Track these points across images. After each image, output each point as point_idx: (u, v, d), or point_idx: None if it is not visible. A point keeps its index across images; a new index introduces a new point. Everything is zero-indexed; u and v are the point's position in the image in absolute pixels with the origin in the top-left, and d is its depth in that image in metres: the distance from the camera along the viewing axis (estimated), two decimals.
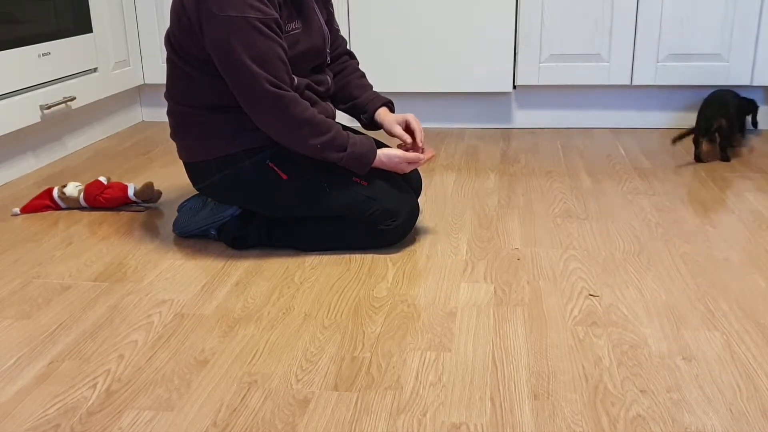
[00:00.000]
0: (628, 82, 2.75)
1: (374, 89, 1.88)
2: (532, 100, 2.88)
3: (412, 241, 1.79)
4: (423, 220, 1.93)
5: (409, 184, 1.81)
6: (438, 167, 2.40)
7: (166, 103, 1.73)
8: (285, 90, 1.55)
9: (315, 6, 1.72)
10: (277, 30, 1.56)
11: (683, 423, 1.10)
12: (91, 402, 1.18)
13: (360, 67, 1.91)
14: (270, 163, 1.65)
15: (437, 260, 1.69)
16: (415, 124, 1.77)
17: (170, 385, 1.23)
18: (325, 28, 1.75)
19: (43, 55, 2.39)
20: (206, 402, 1.18)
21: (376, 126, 1.82)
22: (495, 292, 1.53)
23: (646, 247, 1.74)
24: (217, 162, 1.67)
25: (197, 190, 1.76)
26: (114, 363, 1.30)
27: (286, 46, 1.58)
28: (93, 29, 2.67)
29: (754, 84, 2.67)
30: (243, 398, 1.19)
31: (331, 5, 1.84)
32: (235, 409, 1.16)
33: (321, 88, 1.73)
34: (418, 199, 1.90)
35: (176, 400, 1.18)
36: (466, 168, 2.38)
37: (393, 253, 1.73)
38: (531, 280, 1.58)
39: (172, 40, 1.64)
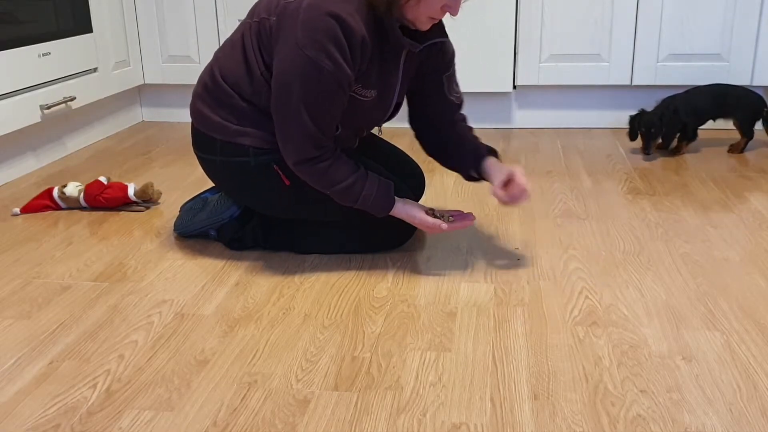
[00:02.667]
0: (628, 82, 2.75)
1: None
2: (532, 100, 2.88)
3: (412, 242, 1.79)
4: None
5: (410, 190, 1.79)
6: (438, 167, 2.39)
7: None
8: (319, 147, 1.51)
9: (399, 82, 1.62)
10: (346, 88, 1.50)
11: (683, 423, 1.10)
12: (91, 402, 1.18)
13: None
14: (276, 167, 1.63)
15: (437, 260, 1.69)
16: (518, 179, 1.59)
17: (170, 385, 1.23)
18: (393, 107, 1.67)
19: (43, 55, 2.39)
20: (206, 402, 1.18)
21: (479, 177, 1.72)
22: (495, 292, 1.53)
23: (646, 247, 1.74)
24: (223, 144, 1.63)
25: (195, 155, 1.72)
26: (114, 363, 1.30)
27: (346, 102, 1.53)
28: (93, 29, 2.67)
29: (754, 84, 2.67)
30: (243, 398, 1.19)
31: (450, 74, 1.72)
32: (235, 409, 1.16)
33: (361, 133, 1.71)
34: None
35: (176, 400, 1.18)
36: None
37: (393, 253, 1.73)
38: (531, 280, 1.58)
39: (261, 25, 1.54)
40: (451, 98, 1.74)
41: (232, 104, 1.61)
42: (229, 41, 1.64)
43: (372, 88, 1.57)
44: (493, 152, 1.72)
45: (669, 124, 2.39)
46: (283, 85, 1.50)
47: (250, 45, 1.57)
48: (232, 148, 1.62)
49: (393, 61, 1.58)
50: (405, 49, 1.57)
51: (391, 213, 1.61)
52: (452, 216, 1.64)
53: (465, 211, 1.66)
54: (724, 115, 2.49)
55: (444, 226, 1.60)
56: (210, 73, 1.65)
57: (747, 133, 2.46)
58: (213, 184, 1.83)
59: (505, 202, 1.62)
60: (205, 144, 1.67)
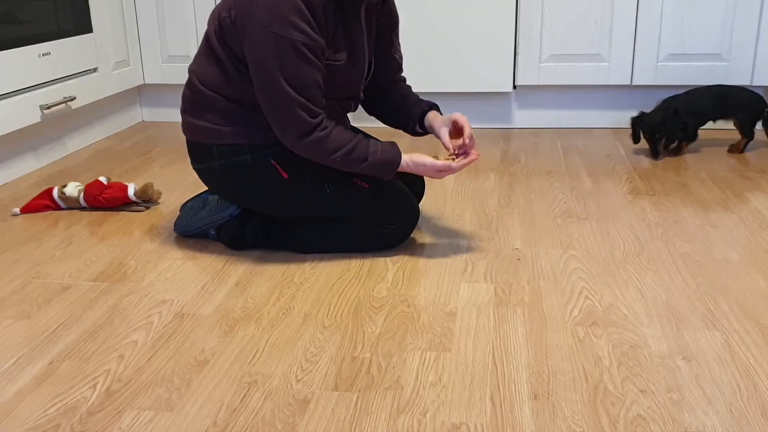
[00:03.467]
0: (628, 82, 2.75)
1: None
2: (532, 100, 2.88)
3: (412, 241, 1.79)
4: (423, 220, 1.93)
5: (411, 188, 1.80)
6: None
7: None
8: (315, 116, 1.55)
9: (366, 39, 1.67)
10: (320, 56, 1.54)
11: (683, 423, 1.10)
12: (91, 402, 1.18)
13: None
14: (273, 161, 1.65)
15: (437, 260, 1.69)
16: (463, 122, 1.67)
17: (170, 385, 1.23)
18: (368, 65, 1.71)
19: (43, 55, 2.39)
20: (206, 402, 1.18)
21: (424, 132, 1.78)
22: (495, 292, 1.53)
23: (646, 247, 1.74)
24: (219, 148, 1.66)
25: (194, 169, 1.75)
26: (114, 363, 1.30)
27: (324, 70, 1.56)
28: (93, 29, 2.67)
29: (754, 84, 2.67)
30: (243, 398, 1.19)
31: (396, 31, 1.79)
32: (235, 409, 1.16)
33: (344, 111, 1.73)
34: (419, 203, 1.90)
35: (176, 400, 1.18)
36: (466, 168, 2.38)
37: (393, 253, 1.73)
38: (531, 280, 1.58)
39: (216, 22, 1.59)
40: (396, 56, 1.81)
41: (219, 107, 1.64)
42: (199, 51, 1.68)
43: (342, 50, 1.61)
44: (434, 107, 1.78)
45: (671, 125, 2.39)
46: (261, 68, 1.53)
47: (218, 46, 1.61)
48: (228, 149, 1.65)
49: (355, 21, 1.62)
50: (363, 4, 1.61)
51: (401, 168, 1.63)
52: (455, 156, 1.66)
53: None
54: (725, 116, 2.49)
55: (454, 165, 1.63)
56: (189, 86, 1.68)
57: (747, 133, 2.46)
58: None
59: (459, 156, 1.67)
60: (202, 153, 1.69)
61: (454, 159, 1.65)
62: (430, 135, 1.78)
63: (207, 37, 1.64)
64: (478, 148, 1.68)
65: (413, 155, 1.64)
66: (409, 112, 1.78)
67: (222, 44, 1.60)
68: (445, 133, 1.69)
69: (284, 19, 1.48)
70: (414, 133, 1.81)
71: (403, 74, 1.86)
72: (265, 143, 1.63)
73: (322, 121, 1.56)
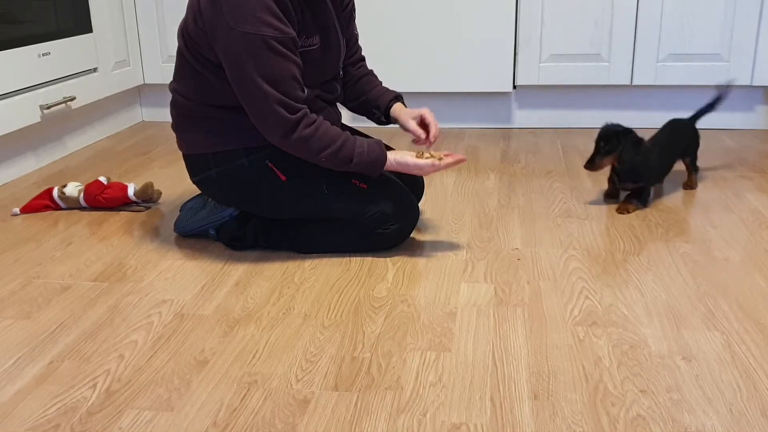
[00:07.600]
0: (628, 82, 2.75)
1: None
2: (532, 100, 2.88)
3: (412, 242, 1.79)
4: (423, 220, 1.93)
5: (410, 188, 1.80)
6: None
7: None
8: (294, 111, 1.54)
9: (335, 19, 1.68)
10: (293, 47, 1.54)
11: (683, 423, 1.10)
12: (91, 402, 1.18)
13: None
14: (270, 164, 1.65)
15: (437, 260, 1.69)
16: (430, 119, 1.75)
17: (170, 385, 1.23)
18: (343, 42, 1.72)
19: (43, 55, 2.39)
20: (206, 402, 1.18)
21: (389, 121, 1.82)
22: (495, 292, 1.53)
23: (646, 247, 1.74)
24: (214, 156, 1.67)
25: (194, 183, 1.75)
26: (114, 363, 1.30)
27: (300, 62, 1.56)
28: (93, 29, 2.67)
29: (754, 84, 2.67)
30: (243, 398, 1.19)
31: (354, 9, 1.81)
32: (235, 409, 1.16)
33: (330, 96, 1.73)
34: (419, 203, 1.90)
35: (176, 400, 1.18)
36: (466, 168, 2.38)
37: (393, 253, 1.73)
38: (531, 280, 1.58)
39: (185, 36, 1.61)
40: (355, 33, 1.84)
41: (206, 117, 1.65)
42: (175, 69, 1.69)
43: (314, 34, 1.61)
44: (400, 98, 1.83)
45: (611, 145, 2.01)
46: (236, 69, 1.53)
47: (192, 57, 1.61)
48: (224, 156, 1.66)
49: (321, 2, 1.62)
50: None
51: (387, 167, 1.64)
52: (443, 155, 1.67)
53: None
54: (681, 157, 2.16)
55: (439, 163, 1.64)
56: (174, 103, 1.70)
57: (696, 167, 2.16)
58: None
59: (424, 142, 1.73)
60: (199, 164, 1.70)
61: (440, 158, 1.64)
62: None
63: (179, 53, 1.65)
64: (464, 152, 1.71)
65: (396, 154, 1.65)
66: (376, 102, 1.82)
67: (195, 54, 1.60)
68: (413, 123, 1.75)
69: (252, 17, 1.48)
70: (378, 122, 1.84)
71: (362, 54, 1.88)
72: (259, 146, 1.63)
73: (303, 116, 1.55)
